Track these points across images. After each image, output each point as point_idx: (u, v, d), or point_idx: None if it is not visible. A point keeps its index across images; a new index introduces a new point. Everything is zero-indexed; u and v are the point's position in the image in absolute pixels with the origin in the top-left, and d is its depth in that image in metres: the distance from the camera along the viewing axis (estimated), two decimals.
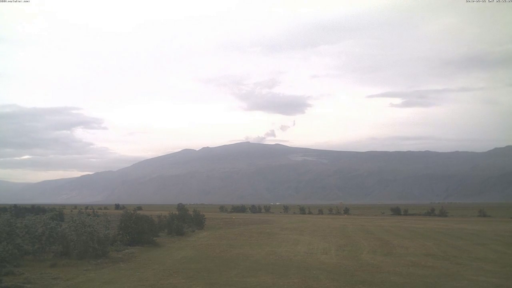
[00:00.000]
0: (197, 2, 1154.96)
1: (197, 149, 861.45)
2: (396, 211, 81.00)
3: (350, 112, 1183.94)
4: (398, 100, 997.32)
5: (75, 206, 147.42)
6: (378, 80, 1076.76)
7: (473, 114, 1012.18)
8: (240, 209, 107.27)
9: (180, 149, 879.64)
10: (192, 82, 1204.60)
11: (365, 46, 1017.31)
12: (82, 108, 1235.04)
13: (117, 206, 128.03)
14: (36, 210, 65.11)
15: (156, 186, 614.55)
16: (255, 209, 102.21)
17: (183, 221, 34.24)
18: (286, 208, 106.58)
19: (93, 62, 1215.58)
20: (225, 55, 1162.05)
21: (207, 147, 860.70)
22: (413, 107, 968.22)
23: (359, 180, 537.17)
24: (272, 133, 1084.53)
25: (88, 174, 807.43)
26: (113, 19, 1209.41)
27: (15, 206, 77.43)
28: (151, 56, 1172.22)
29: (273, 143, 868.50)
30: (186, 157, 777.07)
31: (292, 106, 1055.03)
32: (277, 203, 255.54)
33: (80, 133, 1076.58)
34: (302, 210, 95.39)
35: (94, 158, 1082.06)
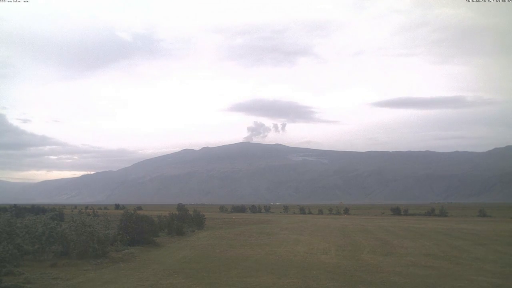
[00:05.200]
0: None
1: (197, 149, 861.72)
2: (396, 211, 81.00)
3: (350, 111, 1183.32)
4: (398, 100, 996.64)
5: (75, 206, 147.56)
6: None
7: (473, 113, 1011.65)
8: (240, 209, 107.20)
9: (180, 149, 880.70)
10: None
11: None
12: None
13: (117, 206, 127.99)
14: (36, 210, 64.96)
15: (156, 186, 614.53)
16: (255, 209, 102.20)
17: (183, 221, 34.22)
18: (286, 208, 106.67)
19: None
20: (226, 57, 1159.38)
21: (207, 147, 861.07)
22: (413, 107, 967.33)
23: (359, 180, 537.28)
24: (271, 133, 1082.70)
25: (88, 174, 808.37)
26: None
27: (15, 206, 77.38)
28: (151, 56, 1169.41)
29: (273, 143, 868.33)
30: (186, 157, 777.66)
31: (292, 106, 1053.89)
32: (277, 203, 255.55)
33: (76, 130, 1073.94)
34: (302, 210, 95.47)
35: (93, 157, 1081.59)
